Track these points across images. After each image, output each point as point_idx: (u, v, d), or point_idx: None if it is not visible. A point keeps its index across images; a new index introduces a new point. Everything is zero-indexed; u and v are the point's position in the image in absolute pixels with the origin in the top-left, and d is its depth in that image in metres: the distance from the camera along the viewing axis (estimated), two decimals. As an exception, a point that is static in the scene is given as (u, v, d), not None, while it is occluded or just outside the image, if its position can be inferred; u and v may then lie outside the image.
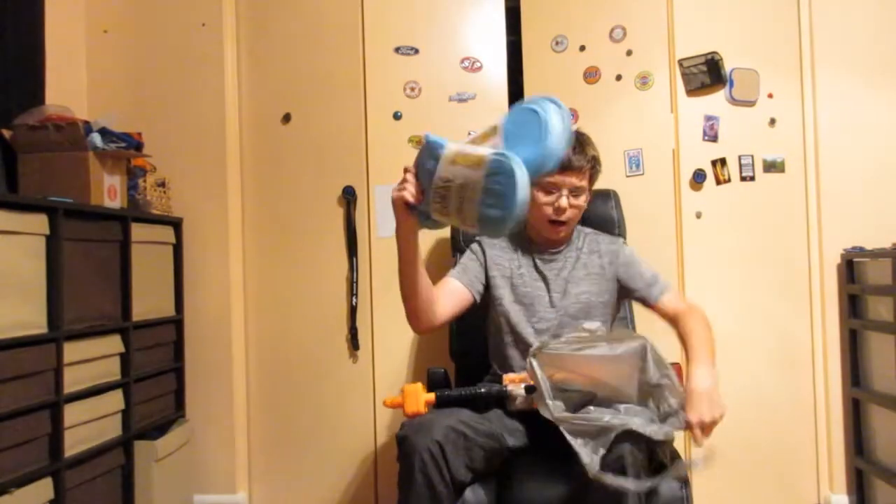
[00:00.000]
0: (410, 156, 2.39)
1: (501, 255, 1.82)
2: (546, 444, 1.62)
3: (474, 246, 1.85)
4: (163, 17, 2.45)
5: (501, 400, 1.61)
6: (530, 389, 1.56)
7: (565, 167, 1.68)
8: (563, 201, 1.70)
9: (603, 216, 2.08)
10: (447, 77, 2.44)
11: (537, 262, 1.80)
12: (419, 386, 1.55)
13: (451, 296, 1.72)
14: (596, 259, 1.81)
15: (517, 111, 1.37)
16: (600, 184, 2.19)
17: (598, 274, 1.80)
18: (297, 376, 2.45)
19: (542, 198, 1.72)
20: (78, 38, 2.46)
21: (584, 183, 1.73)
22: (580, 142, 1.73)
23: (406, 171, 1.43)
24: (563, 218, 1.72)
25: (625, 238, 2.12)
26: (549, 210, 1.72)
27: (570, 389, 1.50)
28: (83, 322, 1.88)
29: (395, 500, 2.36)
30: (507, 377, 1.62)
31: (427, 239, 2.38)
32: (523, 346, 1.73)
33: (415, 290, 1.57)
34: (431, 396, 1.55)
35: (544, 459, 1.58)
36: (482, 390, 1.60)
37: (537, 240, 1.82)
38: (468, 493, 1.50)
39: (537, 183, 1.71)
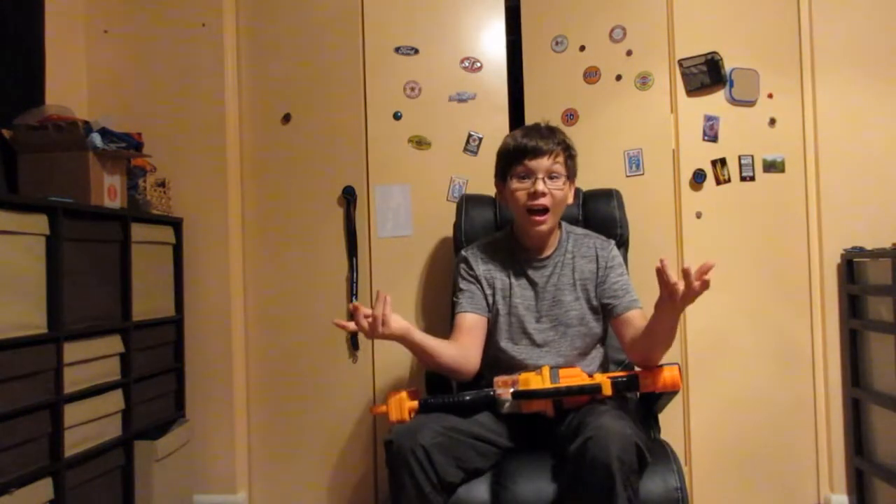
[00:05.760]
0: (410, 156, 2.43)
1: (492, 269, 1.79)
2: (538, 443, 1.63)
3: (463, 266, 1.81)
4: (163, 17, 2.45)
5: (490, 404, 1.59)
6: (518, 394, 1.56)
7: (536, 152, 1.66)
8: (540, 184, 1.65)
9: (605, 216, 2.07)
10: (447, 77, 2.44)
11: (528, 270, 1.77)
12: (404, 394, 1.56)
13: (473, 332, 1.73)
14: (586, 263, 1.77)
15: None
16: (601, 183, 2.22)
17: (589, 279, 1.76)
18: (297, 376, 2.45)
19: (517, 184, 1.69)
20: (78, 38, 2.46)
21: (559, 167, 1.68)
22: (548, 129, 1.72)
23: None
24: (540, 203, 1.67)
25: (627, 239, 2.12)
26: (524, 196, 1.68)
27: None
28: (83, 322, 1.88)
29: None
30: (498, 379, 1.61)
31: (429, 238, 2.39)
32: (515, 361, 1.73)
33: (435, 362, 1.63)
34: (415, 404, 1.55)
35: (537, 458, 1.58)
36: (467, 397, 1.59)
37: (526, 244, 1.78)
38: (461, 491, 1.50)
39: (511, 174, 1.71)
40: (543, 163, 1.67)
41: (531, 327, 1.74)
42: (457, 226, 2.14)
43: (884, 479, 2.15)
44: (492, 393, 1.58)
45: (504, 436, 1.62)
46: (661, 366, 1.57)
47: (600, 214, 2.07)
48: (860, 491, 2.29)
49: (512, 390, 1.56)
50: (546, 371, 1.58)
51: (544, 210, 1.69)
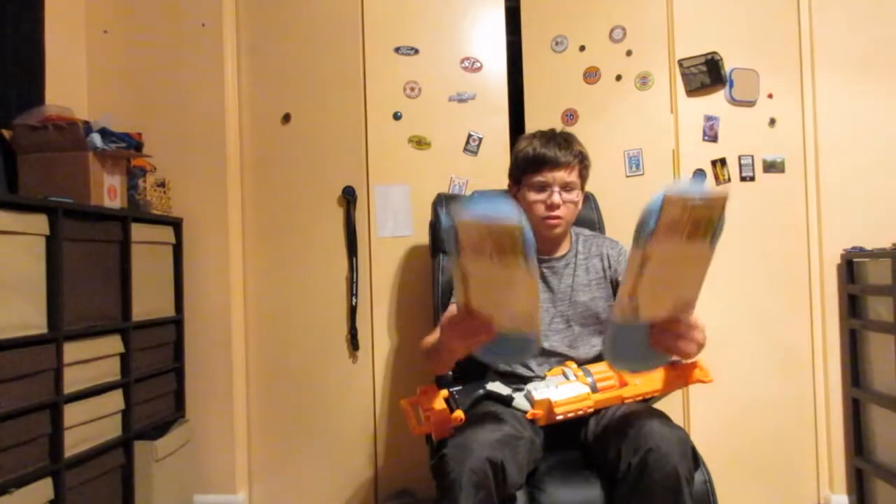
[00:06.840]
0: (410, 156, 2.43)
1: None
2: (566, 442, 1.63)
3: None
4: (163, 17, 2.45)
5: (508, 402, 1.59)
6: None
7: (553, 164, 1.68)
8: (556, 197, 1.69)
9: (581, 218, 2.06)
10: (447, 77, 2.44)
11: (544, 270, 1.77)
12: (441, 402, 1.49)
13: None
14: (598, 262, 1.80)
15: None
16: (601, 183, 2.22)
17: (602, 278, 1.79)
18: (297, 376, 2.45)
19: (534, 196, 1.71)
20: (78, 38, 2.46)
21: (574, 178, 1.71)
22: (565, 139, 1.73)
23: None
24: (555, 214, 1.70)
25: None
26: (541, 208, 1.70)
27: None
28: (83, 322, 1.88)
29: (393, 498, 2.36)
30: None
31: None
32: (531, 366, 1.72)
33: (446, 367, 1.54)
34: (460, 414, 1.47)
35: (567, 458, 1.58)
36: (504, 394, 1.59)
37: (539, 246, 1.79)
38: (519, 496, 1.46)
39: (527, 184, 1.73)
40: (560, 175, 1.69)
41: (550, 329, 1.74)
42: (435, 226, 2.12)
43: (884, 479, 2.15)
44: (511, 397, 1.57)
45: (538, 432, 1.59)
46: (674, 363, 1.57)
47: (579, 217, 2.06)
48: (860, 491, 2.29)
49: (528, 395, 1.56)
50: (581, 374, 1.58)
51: (558, 216, 1.72)
